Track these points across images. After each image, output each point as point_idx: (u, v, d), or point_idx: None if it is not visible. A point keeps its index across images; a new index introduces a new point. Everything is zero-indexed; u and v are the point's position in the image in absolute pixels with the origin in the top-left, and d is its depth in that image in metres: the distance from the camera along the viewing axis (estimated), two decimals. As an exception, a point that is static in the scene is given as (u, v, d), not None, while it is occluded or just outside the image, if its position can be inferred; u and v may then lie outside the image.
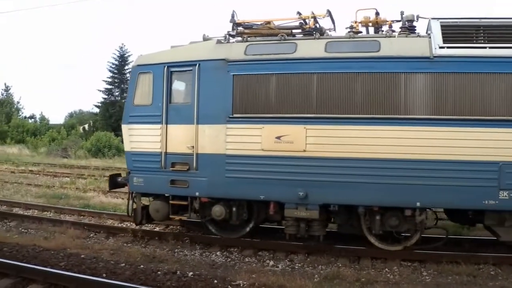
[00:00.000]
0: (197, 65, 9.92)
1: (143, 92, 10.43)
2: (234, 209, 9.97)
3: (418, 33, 9.57)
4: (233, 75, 9.69)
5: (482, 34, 9.23)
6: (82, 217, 13.45)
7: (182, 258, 9.54)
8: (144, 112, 10.35)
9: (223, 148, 9.71)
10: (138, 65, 10.61)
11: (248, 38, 10.17)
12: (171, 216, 10.39)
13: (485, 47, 8.95)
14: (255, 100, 9.59)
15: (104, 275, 7.63)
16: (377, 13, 10.07)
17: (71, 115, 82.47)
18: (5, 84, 64.14)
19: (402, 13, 9.83)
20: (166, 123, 10.14)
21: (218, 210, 9.91)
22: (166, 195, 10.41)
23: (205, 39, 10.61)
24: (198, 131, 9.88)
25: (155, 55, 10.64)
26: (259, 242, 10.35)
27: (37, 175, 24.63)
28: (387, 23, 9.90)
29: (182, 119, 10.02)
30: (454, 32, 9.25)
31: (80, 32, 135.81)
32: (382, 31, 9.98)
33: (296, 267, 9.16)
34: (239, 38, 10.29)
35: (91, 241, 10.77)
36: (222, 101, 9.73)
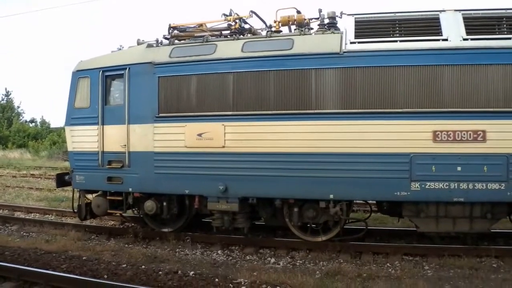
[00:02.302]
0: (128, 68, 10.51)
1: (82, 95, 11.09)
2: (164, 203, 10.51)
3: (333, 29, 9.84)
4: (159, 77, 10.22)
5: (398, 28, 9.46)
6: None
7: (183, 257, 9.73)
8: (83, 114, 11.03)
9: (152, 146, 10.26)
10: (78, 70, 11.28)
11: (175, 41, 10.67)
12: (109, 211, 11.03)
13: (395, 41, 9.18)
14: (178, 100, 10.09)
15: (106, 276, 7.83)
16: (298, 12, 10.39)
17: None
18: (5, 89, 64.11)
19: (320, 10, 10.14)
20: (103, 124, 10.77)
21: (149, 205, 10.48)
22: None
23: (139, 43, 11.17)
24: (130, 130, 10.47)
25: (92, 60, 11.28)
26: (260, 240, 10.64)
27: (39, 178, 25.25)
28: (306, 21, 10.20)
29: (116, 119, 10.63)
30: (367, 27, 9.51)
31: (80, 34, 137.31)
32: (308, 29, 10.27)
33: (298, 264, 9.30)
34: (166, 41, 10.78)
35: (92, 243, 10.95)
36: (149, 102, 10.28)
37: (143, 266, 8.55)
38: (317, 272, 8.65)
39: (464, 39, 8.84)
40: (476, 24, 9.07)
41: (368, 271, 8.52)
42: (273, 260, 9.55)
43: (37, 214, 14.62)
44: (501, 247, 9.51)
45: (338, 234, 9.93)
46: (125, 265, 8.61)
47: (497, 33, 8.96)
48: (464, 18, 9.14)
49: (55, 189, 18.90)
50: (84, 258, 9.10)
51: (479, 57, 8.65)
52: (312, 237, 9.99)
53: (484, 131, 8.55)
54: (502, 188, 8.48)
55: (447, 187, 8.66)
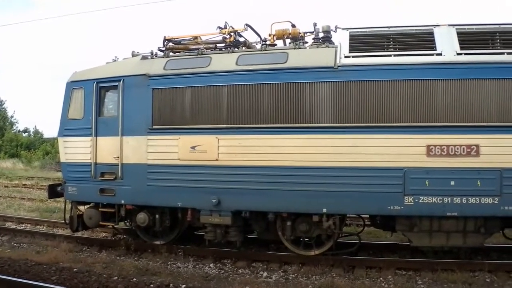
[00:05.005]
0: (122, 80, 10.49)
1: (75, 106, 11.06)
2: (157, 216, 10.45)
3: (327, 43, 9.87)
4: (153, 89, 10.20)
5: (392, 43, 9.50)
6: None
7: (175, 270, 9.64)
8: (76, 126, 10.98)
9: (145, 158, 10.21)
10: (72, 81, 11.25)
11: (170, 53, 10.68)
12: (101, 223, 10.94)
13: (390, 55, 9.22)
14: (172, 112, 10.07)
15: (96, 288, 7.81)
16: (292, 26, 10.43)
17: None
18: (-1, 99, 63.39)
19: (315, 24, 10.19)
20: (96, 135, 10.73)
21: (142, 217, 10.42)
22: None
23: (134, 55, 11.17)
24: (123, 142, 10.43)
25: (87, 71, 11.26)
26: (253, 253, 10.57)
27: (31, 189, 25.04)
28: (300, 34, 10.24)
29: (109, 131, 10.59)
30: (361, 41, 9.55)
31: (73, 44, 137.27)
32: (302, 42, 10.30)
33: (290, 277, 9.23)
34: (161, 54, 10.79)
35: (83, 254, 10.87)
36: (143, 114, 10.25)
37: (134, 279, 8.49)
38: (310, 286, 8.61)
39: (458, 54, 8.88)
40: (470, 39, 9.11)
41: (361, 286, 8.50)
42: (265, 274, 9.47)
43: (29, 225, 14.50)
44: (494, 261, 9.49)
45: (331, 248, 9.87)
46: (116, 278, 8.55)
47: (491, 48, 9.00)
48: (458, 33, 9.20)
49: (47, 200, 18.58)
50: (75, 270, 9.03)
51: (472, 71, 8.69)
52: (305, 251, 9.94)
53: (477, 146, 8.56)
54: (496, 202, 8.48)
55: (441, 201, 8.65)
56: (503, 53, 8.76)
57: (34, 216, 15.88)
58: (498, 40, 9.05)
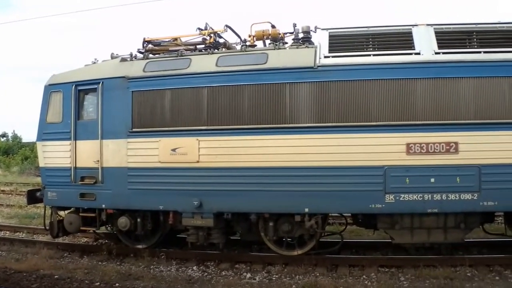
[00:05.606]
0: (101, 83, 10.37)
1: (54, 110, 10.89)
2: (138, 220, 10.36)
3: (307, 44, 9.90)
4: (132, 91, 10.11)
5: (371, 42, 9.56)
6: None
7: (158, 274, 9.53)
8: (55, 129, 10.81)
9: (125, 161, 10.11)
10: (50, 84, 11.08)
11: (150, 55, 10.61)
12: (81, 228, 10.80)
13: (369, 55, 9.27)
14: (152, 114, 9.99)
15: (78, 295, 7.63)
16: (272, 26, 10.44)
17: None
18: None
19: (294, 25, 10.22)
20: (75, 139, 10.58)
21: (123, 222, 10.32)
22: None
23: (113, 57, 11.08)
24: (103, 146, 10.31)
25: (65, 74, 11.11)
26: (236, 255, 10.52)
27: (9, 195, 24.40)
28: (280, 35, 10.25)
29: (89, 135, 10.46)
30: (341, 41, 9.59)
31: (52, 46, 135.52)
32: (282, 43, 10.30)
33: (274, 278, 9.20)
34: (140, 56, 10.71)
35: (65, 260, 10.68)
36: (123, 117, 10.15)
37: (117, 284, 8.43)
38: (294, 286, 8.60)
39: (436, 53, 8.99)
40: (448, 38, 9.23)
41: (345, 284, 8.53)
42: (249, 275, 9.44)
43: (7, 232, 14.13)
44: (475, 256, 9.64)
45: (314, 248, 9.92)
46: (98, 283, 8.47)
47: (468, 47, 9.11)
48: (436, 33, 9.30)
49: (26, 206, 18.07)
50: (56, 276, 8.92)
51: (450, 70, 8.81)
52: (288, 251, 9.95)
53: (456, 143, 8.67)
54: (475, 198, 8.61)
55: (421, 198, 8.74)
56: (479, 52, 8.89)
57: (13, 223, 15.55)
58: (475, 39, 9.18)
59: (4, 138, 59.66)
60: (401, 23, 9.90)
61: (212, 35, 10.63)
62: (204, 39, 10.69)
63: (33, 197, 11.46)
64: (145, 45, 11.02)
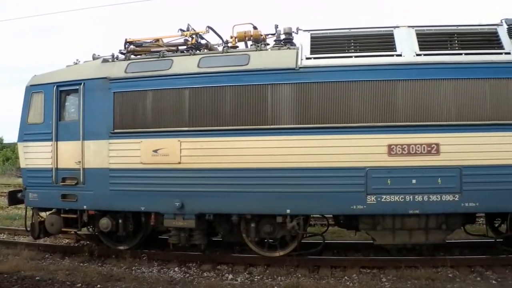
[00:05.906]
0: (82, 84, 10.30)
1: (35, 111, 10.80)
2: (120, 221, 10.30)
3: (289, 45, 9.89)
4: (114, 92, 10.05)
5: (353, 44, 9.57)
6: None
7: (139, 275, 9.48)
8: (36, 130, 10.72)
9: (107, 162, 10.04)
10: (31, 85, 10.99)
11: (132, 56, 10.55)
12: (63, 229, 10.73)
13: (350, 56, 9.28)
14: (134, 115, 9.93)
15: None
16: (254, 28, 10.41)
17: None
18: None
19: (276, 26, 10.21)
20: (57, 140, 10.50)
21: (104, 223, 10.25)
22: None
23: (95, 58, 11.01)
24: (84, 146, 10.23)
25: (47, 75, 11.03)
26: (218, 256, 10.49)
27: None
28: (262, 36, 10.23)
29: (70, 135, 10.38)
30: (322, 43, 9.60)
31: (35, 45, 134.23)
32: (264, 44, 10.26)
33: (256, 279, 9.20)
34: (122, 56, 10.65)
35: (46, 262, 10.60)
36: (104, 118, 10.08)
37: (98, 285, 8.41)
38: (276, 287, 8.61)
39: (418, 55, 9.03)
40: (429, 40, 9.28)
41: (326, 285, 8.54)
42: (231, 276, 9.41)
43: (-12, 234, 14.06)
44: (456, 257, 9.70)
45: (295, 249, 9.91)
46: (80, 285, 8.44)
47: (449, 48, 9.17)
48: (417, 34, 9.35)
49: (7, 207, 18.28)
50: (37, 278, 8.88)
51: (431, 72, 8.85)
52: (270, 252, 9.93)
53: (437, 144, 8.71)
54: (456, 199, 8.65)
55: (403, 199, 8.76)
56: (461, 54, 8.94)
57: (-6, 225, 15.43)
58: (456, 41, 9.25)
59: (-15, 140, 58.93)
60: (383, 24, 9.90)
61: (194, 36, 10.59)
62: (186, 40, 10.64)
63: (14, 198, 11.37)
64: (126, 46, 10.94)
